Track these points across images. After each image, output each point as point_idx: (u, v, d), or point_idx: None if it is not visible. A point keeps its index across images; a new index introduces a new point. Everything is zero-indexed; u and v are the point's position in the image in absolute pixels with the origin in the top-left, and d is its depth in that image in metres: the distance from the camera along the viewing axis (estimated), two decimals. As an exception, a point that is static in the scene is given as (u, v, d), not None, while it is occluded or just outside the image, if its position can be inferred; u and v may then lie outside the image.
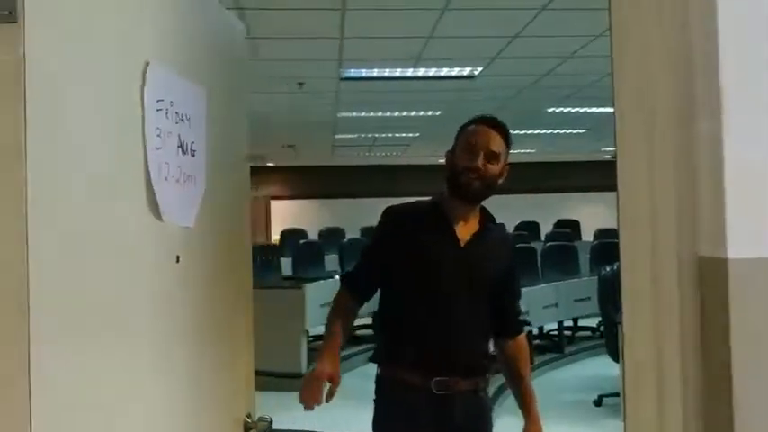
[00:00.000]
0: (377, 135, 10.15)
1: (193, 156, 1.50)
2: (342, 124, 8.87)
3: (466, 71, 6.10)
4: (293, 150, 11.68)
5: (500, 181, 1.99)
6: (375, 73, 6.01)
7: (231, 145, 1.77)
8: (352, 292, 2.07)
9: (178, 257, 1.41)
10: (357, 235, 10.29)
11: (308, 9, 4.21)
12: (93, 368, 1.10)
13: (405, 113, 8.20)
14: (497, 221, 2.10)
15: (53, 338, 0.99)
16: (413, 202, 2.09)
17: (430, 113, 8.23)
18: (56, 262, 1.00)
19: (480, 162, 1.90)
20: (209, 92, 1.58)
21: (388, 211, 2.07)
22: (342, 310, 2.06)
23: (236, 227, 1.77)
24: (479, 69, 6.03)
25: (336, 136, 10.08)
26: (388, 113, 8.17)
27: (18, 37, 0.95)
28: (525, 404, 2.08)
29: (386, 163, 13.47)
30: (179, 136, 1.44)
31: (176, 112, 1.43)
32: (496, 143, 1.95)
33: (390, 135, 10.14)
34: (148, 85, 1.29)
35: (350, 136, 10.14)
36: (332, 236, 9.92)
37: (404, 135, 10.19)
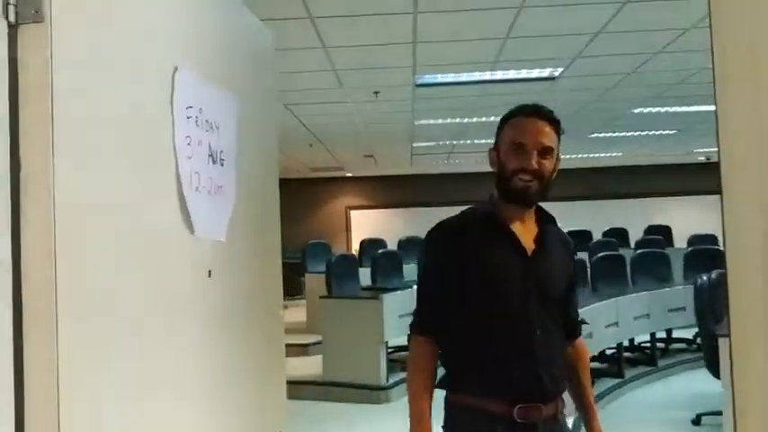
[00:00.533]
0: (455, 142, 9.96)
1: (222, 165, 1.41)
2: (419, 132, 8.75)
3: (546, 72, 5.84)
4: (372, 160, 11.66)
5: (554, 175, 1.77)
6: (450, 78, 5.85)
7: (261, 155, 1.68)
8: (429, 335, 1.79)
9: (210, 272, 1.31)
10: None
11: (378, 14, 4.11)
12: (123, 383, 1.03)
13: (483, 119, 7.96)
14: (557, 221, 1.87)
15: (82, 353, 0.93)
16: (461, 215, 1.85)
17: (510, 118, 7.96)
18: (84, 274, 0.94)
19: (534, 161, 1.67)
20: (239, 99, 1.49)
21: (438, 231, 1.81)
22: (422, 368, 1.77)
23: (266, 240, 1.68)
24: (560, 70, 5.76)
25: (414, 144, 9.96)
26: (467, 119, 7.97)
27: (45, 37, 0.90)
28: (588, 418, 1.89)
29: (465, 171, 13.25)
30: (209, 144, 1.35)
31: (206, 120, 1.34)
32: (548, 136, 1.70)
33: (469, 142, 9.92)
34: (177, 91, 1.20)
35: (428, 144, 10.00)
36: (411, 245, 9.74)
37: (483, 141, 9.92)
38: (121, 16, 1.07)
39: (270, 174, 1.73)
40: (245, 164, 1.51)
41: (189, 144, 1.26)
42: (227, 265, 1.38)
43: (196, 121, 1.29)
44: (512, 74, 5.81)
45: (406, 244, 10.17)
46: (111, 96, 1.03)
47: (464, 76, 5.79)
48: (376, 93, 6.02)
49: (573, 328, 1.93)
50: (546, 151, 1.70)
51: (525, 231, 1.79)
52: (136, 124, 1.09)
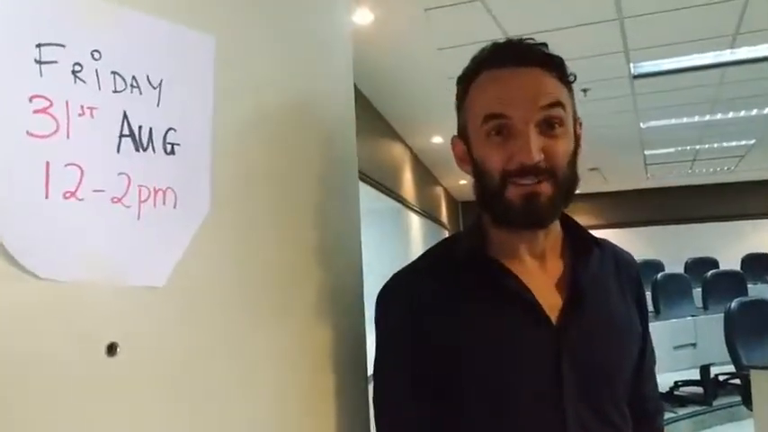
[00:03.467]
0: (698, 147, 8.46)
1: (171, 153, 0.82)
2: (649, 136, 7.50)
3: (813, 44, 4.51)
4: (599, 173, 10.51)
5: (578, 157, 0.98)
6: (678, 63, 4.74)
7: (301, 149, 1.04)
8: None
9: (113, 346, 0.72)
10: (679, 268, 8.68)
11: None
12: None
13: (731, 114, 6.57)
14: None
15: None
16: (427, 255, 1.07)
17: (767, 111, 6.48)
18: None
19: (536, 147, 0.90)
20: (228, 44, 0.90)
21: (396, 291, 1.02)
22: None
23: (318, 287, 1.02)
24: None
25: (646, 152, 8.66)
26: (708, 117, 6.61)
27: None
28: None
29: (714, 181, 11.44)
30: (125, 115, 0.77)
31: (114, 72, 0.76)
32: (548, 90, 0.93)
33: (716, 145, 8.35)
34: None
35: (664, 151, 8.61)
36: (647, 269, 8.44)
37: (734, 144, 8.32)
38: None
39: (335, 184, 1.11)
40: (257, 158, 0.93)
41: (47, 112, 0.69)
42: (172, 332, 0.79)
43: (76, 73, 0.72)
44: (762, 50, 4.56)
45: (643, 267, 8.90)
46: None
47: (695, 59, 4.66)
48: (584, 91, 5.12)
49: (650, 413, 1.11)
50: (552, 120, 0.92)
51: (542, 274, 0.99)
52: None
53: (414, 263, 1.06)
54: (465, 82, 1.00)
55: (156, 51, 0.81)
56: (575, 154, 0.97)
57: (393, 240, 5.93)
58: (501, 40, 1.00)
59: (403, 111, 5.68)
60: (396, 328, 1.00)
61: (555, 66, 0.95)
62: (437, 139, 6.93)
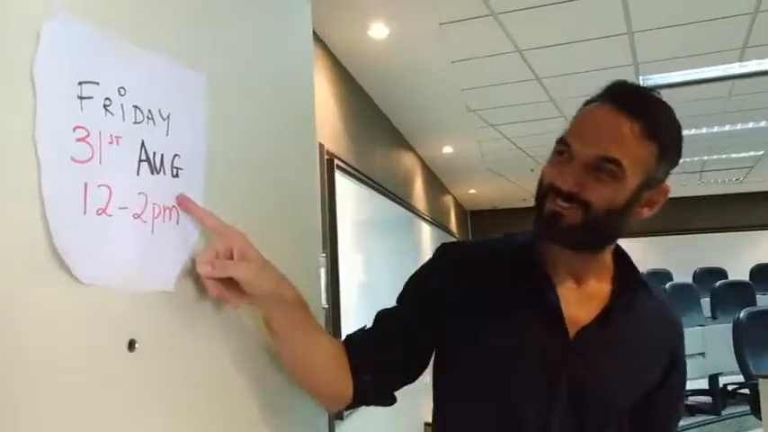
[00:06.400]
0: (706, 158, 8.46)
1: (176, 176, 0.92)
2: (659, 148, 7.53)
3: (824, 58, 4.52)
4: (610, 183, 10.50)
5: (632, 214, 1.03)
6: (686, 76, 4.78)
7: (276, 168, 1.16)
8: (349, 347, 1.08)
9: (133, 343, 0.81)
10: (688, 279, 8.71)
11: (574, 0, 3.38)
12: None
13: (739, 126, 6.58)
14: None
15: None
16: (486, 241, 1.21)
17: (775, 123, 6.49)
18: None
19: (573, 178, 0.98)
20: (217, 81, 1.01)
21: (445, 251, 1.17)
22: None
23: None
24: None
25: (657, 163, 8.67)
26: (716, 128, 6.63)
27: None
28: None
29: (723, 192, 11.41)
30: (142, 143, 0.86)
31: (135, 106, 0.85)
32: (618, 141, 0.97)
33: (724, 156, 8.35)
34: (47, 55, 0.72)
35: (673, 161, 8.62)
36: (655, 279, 8.46)
37: (742, 155, 8.32)
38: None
39: (299, 201, 1.21)
40: (240, 178, 1.04)
41: (86, 140, 0.77)
42: (180, 331, 0.89)
43: (106, 107, 0.81)
44: (768, 63, 4.59)
45: (651, 277, 8.90)
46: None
47: (704, 72, 4.70)
48: (593, 103, 5.16)
49: None
50: (603, 167, 0.98)
51: (581, 294, 1.07)
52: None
53: (473, 241, 1.18)
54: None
55: (165, 87, 0.92)
56: (623, 209, 1.01)
57: (405, 248, 5.99)
58: (619, 81, 1.05)
59: (415, 121, 5.75)
60: (434, 275, 1.14)
61: (643, 122, 0.99)
62: (448, 150, 6.99)
